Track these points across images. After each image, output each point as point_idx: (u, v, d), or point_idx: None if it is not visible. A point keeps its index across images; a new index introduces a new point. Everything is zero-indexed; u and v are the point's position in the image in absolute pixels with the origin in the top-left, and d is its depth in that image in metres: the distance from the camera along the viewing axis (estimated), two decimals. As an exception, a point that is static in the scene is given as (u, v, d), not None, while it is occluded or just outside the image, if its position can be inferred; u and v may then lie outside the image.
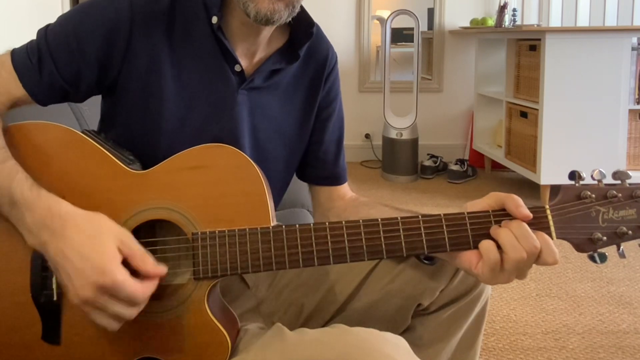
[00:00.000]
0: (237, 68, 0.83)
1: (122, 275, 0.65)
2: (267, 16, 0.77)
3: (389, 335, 0.69)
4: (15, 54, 0.80)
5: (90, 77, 0.80)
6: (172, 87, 0.81)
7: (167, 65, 0.80)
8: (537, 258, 0.67)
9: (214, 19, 0.80)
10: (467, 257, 0.70)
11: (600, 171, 0.70)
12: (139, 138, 0.81)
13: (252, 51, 0.85)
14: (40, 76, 0.78)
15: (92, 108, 1.27)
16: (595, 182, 0.71)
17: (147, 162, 0.77)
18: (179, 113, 0.81)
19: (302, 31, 0.87)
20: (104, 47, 0.79)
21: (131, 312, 0.66)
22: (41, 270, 0.72)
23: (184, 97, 0.81)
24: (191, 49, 0.81)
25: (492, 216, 0.69)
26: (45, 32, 0.80)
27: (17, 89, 0.78)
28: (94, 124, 0.92)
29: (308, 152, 0.96)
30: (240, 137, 0.84)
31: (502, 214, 0.69)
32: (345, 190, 1.01)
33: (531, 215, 0.69)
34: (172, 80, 0.81)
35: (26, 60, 0.78)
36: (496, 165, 3.61)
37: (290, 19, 0.81)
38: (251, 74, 0.85)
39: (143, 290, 0.66)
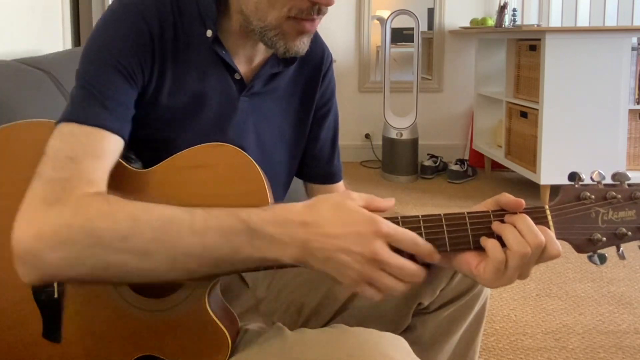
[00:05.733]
0: (236, 76, 0.83)
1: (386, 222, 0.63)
2: (297, 53, 0.77)
3: (388, 335, 0.68)
4: (74, 116, 0.70)
5: (136, 93, 0.77)
6: (174, 98, 0.80)
7: (169, 76, 0.79)
8: (542, 253, 0.66)
9: (209, 33, 0.79)
10: (466, 259, 0.69)
11: (599, 172, 0.70)
12: (142, 144, 0.81)
13: (250, 57, 0.85)
14: (118, 114, 0.73)
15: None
16: (595, 183, 0.71)
17: (149, 167, 0.77)
18: (182, 122, 0.81)
19: None
20: (140, 67, 0.76)
21: (400, 284, 0.64)
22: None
23: (186, 107, 0.81)
24: (191, 59, 0.80)
25: (492, 215, 0.69)
26: (85, 78, 0.73)
27: (107, 142, 0.71)
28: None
29: (304, 151, 0.96)
30: (245, 144, 0.84)
31: (502, 213, 0.70)
32: (342, 190, 1.01)
33: (523, 202, 0.69)
34: (173, 91, 0.80)
35: (92, 110, 0.71)
36: (496, 165, 3.61)
37: None
38: (250, 80, 0.84)
39: (413, 235, 0.65)
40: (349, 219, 0.63)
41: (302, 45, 0.77)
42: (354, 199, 0.66)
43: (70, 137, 0.69)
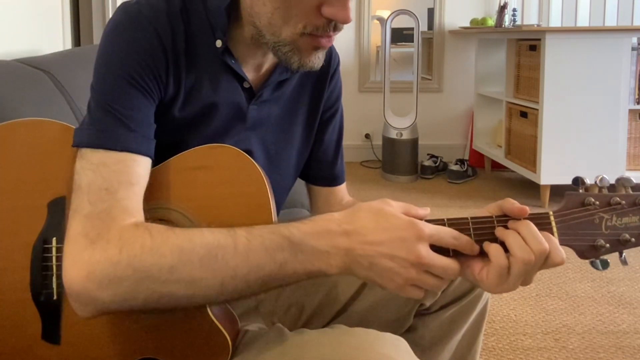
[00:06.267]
0: (245, 85, 0.81)
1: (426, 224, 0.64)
2: (312, 68, 0.76)
3: (388, 336, 0.68)
4: (101, 142, 0.69)
5: (154, 107, 0.76)
6: (186, 109, 0.79)
7: (183, 88, 0.78)
8: (545, 260, 0.66)
9: (218, 43, 0.77)
10: (469, 264, 0.68)
11: (603, 177, 0.70)
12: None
13: (259, 65, 0.83)
14: (143, 135, 0.71)
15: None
16: (599, 188, 0.70)
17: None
18: (191, 132, 0.80)
19: None
20: (155, 77, 0.74)
21: (443, 281, 0.65)
22: (41, 269, 0.72)
23: (197, 117, 0.80)
24: (202, 70, 0.78)
25: (495, 221, 0.69)
26: (103, 97, 0.71)
27: (138, 166, 0.70)
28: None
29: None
30: (253, 152, 0.83)
31: (505, 218, 0.69)
32: (343, 193, 1.00)
33: (527, 209, 0.68)
34: (186, 102, 0.78)
35: (118, 135, 0.69)
36: (496, 165, 3.61)
37: None
38: (259, 89, 0.83)
39: (452, 232, 0.66)
40: (389, 225, 0.64)
41: (316, 61, 0.75)
42: (392, 205, 0.67)
43: (101, 167, 0.68)
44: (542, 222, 0.68)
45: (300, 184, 1.02)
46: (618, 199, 0.69)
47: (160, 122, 0.76)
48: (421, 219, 0.66)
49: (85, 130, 0.70)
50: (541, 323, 1.84)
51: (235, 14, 0.77)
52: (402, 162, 3.60)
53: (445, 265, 0.64)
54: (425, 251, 0.63)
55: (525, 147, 3.10)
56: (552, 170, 2.87)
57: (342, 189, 1.00)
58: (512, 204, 0.68)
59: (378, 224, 0.64)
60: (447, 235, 0.65)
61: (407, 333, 0.91)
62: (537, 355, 1.65)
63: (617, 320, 1.86)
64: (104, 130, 0.69)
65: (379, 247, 0.63)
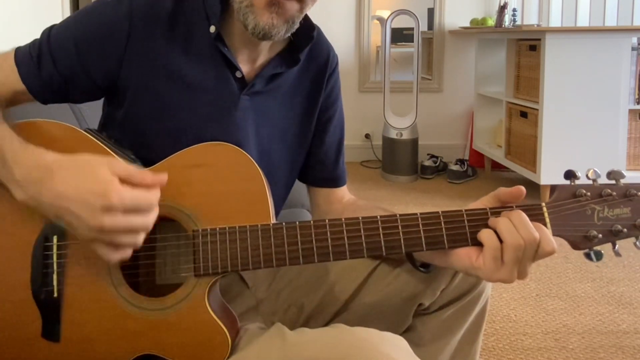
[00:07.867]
0: (237, 74, 0.83)
1: (125, 189, 0.65)
2: (265, 30, 0.77)
3: (388, 335, 0.69)
4: (18, 51, 0.81)
5: (87, 80, 0.81)
6: (173, 92, 0.81)
7: (169, 70, 0.80)
8: (537, 249, 0.67)
9: (212, 29, 0.80)
10: (466, 253, 0.70)
11: (595, 171, 0.71)
12: (140, 141, 0.81)
13: (253, 57, 0.85)
14: (39, 72, 0.79)
15: (92, 108, 1.28)
16: (590, 181, 0.71)
17: (147, 164, 0.77)
18: (181, 118, 0.81)
19: (302, 35, 0.86)
20: (100, 53, 0.79)
21: (138, 238, 0.67)
22: (42, 266, 0.72)
23: (185, 102, 0.81)
24: (193, 55, 0.81)
25: (489, 212, 0.70)
26: (48, 33, 0.81)
27: (17, 83, 0.79)
28: (93, 123, 0.92)
29: (308, 154, 0.96)
30: (243, 141, 0.84)
31: (499, 210, 0.70)
32: (344, 192, 1.00)
33: (523, 188, 0.69)
34: (173, 85, 0.80)
35: (27, 56, 0.79)
36: (496, 165, 3.61)
37: (289, 34, 0.81)
38: (252, 79, 0.85)
39: (150, 195, 0.67)
40: (85, 185, 0.65)
41: (270, 21, 0.77)
42: (111, 165, 0.67)
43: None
44: (534, 213, 0.70)
45: (300, 184, 1.03)
46: (609, 190, 0.70)
47: (144, 100, 0.80)
48: (150, 186, 0.67)
49: (26, 45, 0.81)
50: (541, 323, 1.84)
51: (228, 4, 0.81)
52: (402, 162, 3.60)
53: (130, 224, 0.66)
54: (109, 222, 0.64)
55: (525, 147, 3.10)
56: (552, 170, 2.87)
57: (344, 190, 1.00)
58: (505, 189, 0.70)
59: (76, 178, 0.66)
60: (141, 198, 0.66)
61: (407, 332, 0.91)
62: (537, 355, 1.65)
63: (617, 320, 1.86)
64: (30, 54, 0.79)
65: (65, 202, 0.65)
